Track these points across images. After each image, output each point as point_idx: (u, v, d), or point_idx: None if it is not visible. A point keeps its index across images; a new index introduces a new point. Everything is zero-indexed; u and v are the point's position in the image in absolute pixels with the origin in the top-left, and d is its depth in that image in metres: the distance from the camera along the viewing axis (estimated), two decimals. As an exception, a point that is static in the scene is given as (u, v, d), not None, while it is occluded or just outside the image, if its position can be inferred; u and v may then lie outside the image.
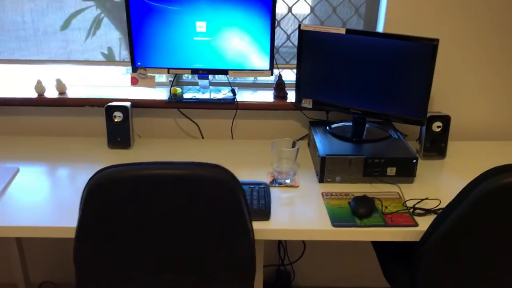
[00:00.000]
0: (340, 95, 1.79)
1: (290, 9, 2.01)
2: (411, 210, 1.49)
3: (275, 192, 1.60)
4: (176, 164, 1.16)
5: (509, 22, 1.90)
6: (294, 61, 2.06)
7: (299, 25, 1.77)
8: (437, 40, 1.57)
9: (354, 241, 2.20)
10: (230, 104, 1.95)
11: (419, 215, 1.47)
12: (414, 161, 1.63)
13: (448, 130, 1.81)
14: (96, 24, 2.05)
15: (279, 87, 1.98)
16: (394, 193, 1.60)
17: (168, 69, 1.92)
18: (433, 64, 1.60)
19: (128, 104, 1.88)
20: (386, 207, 1.50)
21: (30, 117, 2.05)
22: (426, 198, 1.55)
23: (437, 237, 1.32)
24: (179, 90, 2.02)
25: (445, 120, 1.81)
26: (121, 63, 2.10)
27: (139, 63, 1.92)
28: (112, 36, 2.05)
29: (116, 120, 1.87)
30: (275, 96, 2.00)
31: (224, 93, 2.01)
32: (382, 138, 1.78)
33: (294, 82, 1.92)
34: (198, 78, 1.97)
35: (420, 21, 1.89)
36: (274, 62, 1.91)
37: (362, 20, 2.02)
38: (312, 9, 2.01)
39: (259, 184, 1.58)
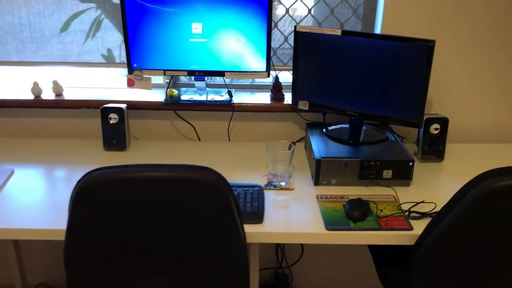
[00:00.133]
0: (337, 97, 1.78)
1: (287, 11, 2.00)
2: (407, 213, 1.47)
3: (270, 194, 1.59)
4: (164, 166, 1.15)
5: (507, 23, 1.88)
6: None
7: (295, 27, 1.76)
8: (433, 42, 1.55)
9: (352, 244, 2.18)
10: (226, 106, 1.94)
11: (415, 218, 1.45)
12: (411, 164, 1.61)
13: (446, 133, 1.79)
14: (96, 26, 2.05)
15: (276, 89, 1.97)
16: (390, 196, 1.58)
17: (164, 71, 1.91)
18: (429, 66, 1.58)
19: (123, 106, 1.88)
20: (381, 210, 1.49)
21: (27, 118, 2.04)
22: (422, 202, 1.53)
23: (431, 240, 1.30)
24: (175, 92, 2.01)
25: (443, 122, 1.78)
26: (119, 64, 2.09)
27: (135, 65, 1.91)
28: (112, 38, 2.05)
29: (111, 122, 1.87)
30: (272, 98, 1.98)
31: (221, 95, 2.00)
32: (379, 140, 1.76)
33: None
34: (195, 80, 1.96)
35: (418, 22, 1.87)
36: (271, 64, 1.90)
37: (360, 21, 2.00)
38: (309, 10, 1.99)
39: (253, 186, 1.57)
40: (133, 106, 1.96)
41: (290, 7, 1.99)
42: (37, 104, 1.98)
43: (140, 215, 1.18)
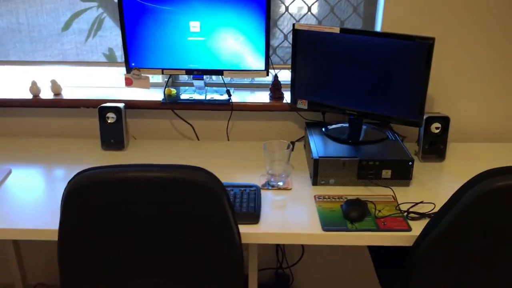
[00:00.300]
0: (336, 95, 1.76)
1: (287, 9, 1.98)
2: (405, 214, 1.45)
3: (267, 194, 1.57)
4: (157, 166, 1.13)
5: (509, 21, 1.85)
6: (291, 61, 2.03)
7: (293, 24, 1.74)
8: (433, 39, 1.52)
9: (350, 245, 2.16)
10: (225, 105, 1.92)
11: (413, 219, 1.43)
12: (410, 163, 1.58)
13: (447, 132, 1.76)
14: (98, 25, 2.04)
15: (275, 88, 1.95)
16: (389, 196, 1.55)
17: (162, 69, 1.90)
18: (429, 64, 1.55)
19: (121, 105, 1.86)
20: (379, 211, 1.46)
21: (25, 118, 2.04)
22: (421, 202, 1.50)
23: (429, 241, 1.28)
24: (173, 91, 1.99)
25: (444, 121, 1.76)
26: (118, 63, 2.08)
27: (133, 64, 1.90)
28: (114, 37, 2.03)
29: (109, 122, 1.86)
30: (271, 97, 1.97)
31: (221, 94, 1.98)
32: (379, 140, 1.74)
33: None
34: (193, 79, 1.94)
35: (419, 19, 1.85)
36: (270, 62, 1.88)
37: (361, 19, 1.98)
38: (309, 8, 1.97)
39: (250, 186, 1.55)
40: (132, 105, 1.95)
41: (290, 4, 1.96)
42: (35, 103, 1.98)
43: (132, 215, 1.16)
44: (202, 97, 1.95)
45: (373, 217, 1.43)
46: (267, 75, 1.89)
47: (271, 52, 2.02)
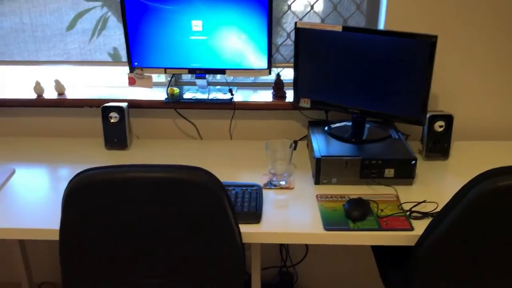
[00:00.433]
0: (338, 94, 1.75)
1: (289, 7, 1.97)
2: (408, 213, 1.44)
3: (269, 194, 1.56)
4: (156, 167, 1.13)
5: (515, 17, 1.83)
6: (294, 60, 2.02)
7: (296, 23, 1.73)
8: (435, 37, 1.51)
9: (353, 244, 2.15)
10: (227, 104, 1.92)
11: (416, 218, 1.42)
12: (413, 162, 1.57)
13: (451, 130, 1.75)
14: (102, 24, 2.04)
15: (278, 87, 1.94)
16: (392, 195, 1.54)
17: (165, 69, 1.90)
18: (431, 62, 1.54)
19: (124, 104, 1.87)
20: (382, 210, 1.46)
21: (29, 118, 2.05)
22: (424, 201, 1.49)
23: (432, 241, 1.27)
24: (176, 90, 1.99)
25: (448, 119, 1.74)
26: (121, 63, 2.09)
27: (136, 63, 1.90)
28: (119, 36, 2.03)
29: (112, 121, 1.86)
30: (274, 96, 1.96)
31: (224, 94, 1.98)
32: (382, 138, 1.73)
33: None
34: (196, 78, 1.94)
35: (423, 17, 1.83)
36: (272, 61, 1.87)
37: (364, 17, 1.97)
38: (312, 6, 1.96)
39: (252, 186, 1.55)
40: (135, 104, 1.95)
41: (292, 3, 1.96)
42: (39, 103, 1.98)
43: (133, 216, 1.17)
44: (205, 96, 1.95)
45: (375, 217, 1.42)
46: (270, 73, 1.88)
47: (274, 50, 2.01)
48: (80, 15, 2.02)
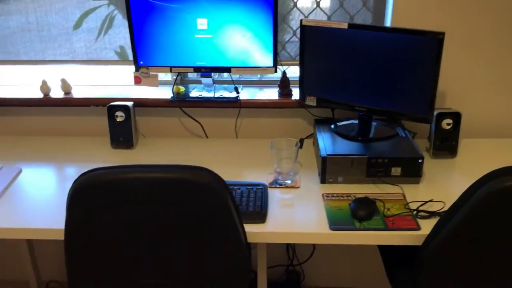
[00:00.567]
0: (344, 92, 1.73)
1: (295, 4, 1.95)
2: (414, 212, 1.42)
3: (275, 193, 1.56)
4: (160, 167, 1.13)
5: (525, 12, 1.80)
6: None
7: (301, 20, 1.72)
8: (442, 34, 1.49)
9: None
10: (233, 103, 1.91)
11: (423, 217, 1.40)
12: (420, 160, 1.56)
13: (458, 128, 1.73)
14: (108, 22, 2.04)
15: (284, 85, 1.93)
16: (399, 194, 1.53)
17: (171, 67, 1.89)
18: (439, 59, 1.52)
19: (130, 103, 1.87)
20: (388, 209, 1.44)
21: (35, 117, 2.06)
22: (431, 200, 1.48)
23: (439, 241, 1.25)
24: (182, 88, 1.99)
25: (456, 117, 1.72)
26: (127, 62, 2.08)
27: (141, 62, 1.90)
28: (126, 34, 2.03)
29: (118, 120, 1.86)
30: (280, 94, 1.95)
31: (230, 92, 1.97)
32: (389, 136, 1.71)
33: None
34: (201, 76, 1.94)
35: (430, 13, 1.81)
36: (278, 59, 1.86)
37: (370, 14, 1.95)
38: (317, 3, 1.94)
39: (257, 185, 1.54)
40: (141, 103, 1.95)
41: (298, 0, 1.94)
42: (45, 102, 1.99)
43: (136, 216, 1.16)
44: (210, 94, 1.95)
45: (382, 216, 1.41)
46: (275, 71, 1.87)
47: (279, 48, 2.00)
48: (86, 14, 2.02)
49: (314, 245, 2.18)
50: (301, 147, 1.87)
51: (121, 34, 2.04)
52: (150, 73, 1.90)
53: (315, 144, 1.80)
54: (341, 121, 1.86)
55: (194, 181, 1.11)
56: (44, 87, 1.99)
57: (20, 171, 1.72)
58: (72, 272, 1.29)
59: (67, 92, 2.02)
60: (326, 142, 1.67)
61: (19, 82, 2.16)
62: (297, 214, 1.44)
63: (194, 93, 1.96)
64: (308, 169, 1.71)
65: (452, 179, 1.62)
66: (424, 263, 1.29)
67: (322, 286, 2.31)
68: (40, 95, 2.00)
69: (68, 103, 1.99)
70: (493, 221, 1.17)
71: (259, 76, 2.09)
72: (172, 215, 1.16)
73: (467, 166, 1.71)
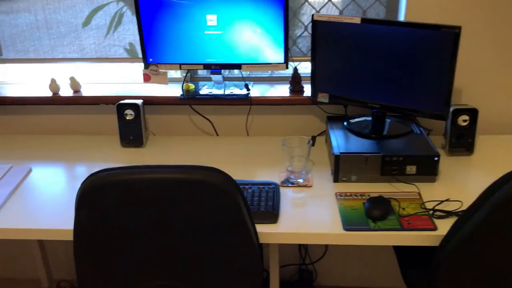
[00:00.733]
0: (357, 88, 1.69)
1: (306, -1, 1.92)
2: (431, 212, 1.38)
3: (287, 192, 1.52)
4: (169, 167, 1.10)
5: (544, 5, 1.74)
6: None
7: (313, 15, 1.68)
8: (458, 28, 1.45)
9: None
10: (244, 100, 1.88)
11: (440, 217, 1.36)
12: (436, 158, 1.51)
13: (475, 124, 1.68)
14: (118, 19, 2.02)
15: (295, 81, 1.90)
16: (414, 193, 1.49)
17: (180, 64, 1.87)
18: (455, 54, 1.48)
19: (139, 101, 1.85)
20: (403, 209, 1.40)
21: (45, 115, 2.04)
22: (448, 199, 1.44)
23: (456, 242, 1.21)
24: (192, 86, 1.96)
25: (472, 113, 1.68)
26: (136, 59, 2.06)
27: (151, 59, 1.87)
28: (135, 31, 2.00)
29: (128, 118, 1.84)
30: (291, 91, 1.91)
31: (240, 89, 1.94)
32: (403, 133, 1.67)
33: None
34: (211, 73, 1.91)
35: (445, 7, 1.76)
36: (289, 55, 1.83)
37: (384, 8, 1.90)
38: (329, -2, 1.91)
39: (268, 184, 1.51)
40: (150, 101, 1.93)
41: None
42: (55, 101, 1.98)
43: (145, 217, 1.14)
44: (220, 91, 1.92)
45: (397, 216, 1.37)
46: (287, 68, 1.84)
47: (290, 43, 1.97)
48: (95, 11, 2.00)
49: (326, 244, 2.15)
50: (313, 144, 1.83)
51: (130, 31, 2.02)
52: (160, 70, 1.88)
53: (328, 141, 1.77)
54: (354, 118, 1.82)
55: (205, 181, 1.08)
56: (53, 86, 1.97)
57: (30, 171, 1.71)
58: (82, 273, 1.27)
59: (76, 90, 2.01)
60: (339, 140, 1.64)
61: (28, 80, 2.15)
62: (310, 214, 1.41)
63: (204, 91, 1.93)
64: (320, 167, 1.67)
65: (469, 177, 1.58)
66: (441, 264, 1.25)
67: (335, 285, 2.27)
68: (49, 93, 1.98)
69: (77, 101, 1.98)
70: (513, 222, 1.13)
71: (269, 72, 2.06)
72: (181, 216, 1.14)
73: (484, 163, 1.67)
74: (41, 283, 2.29)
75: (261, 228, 1.32)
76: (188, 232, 1.18)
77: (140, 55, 2.03)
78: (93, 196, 1.12)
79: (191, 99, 1.91)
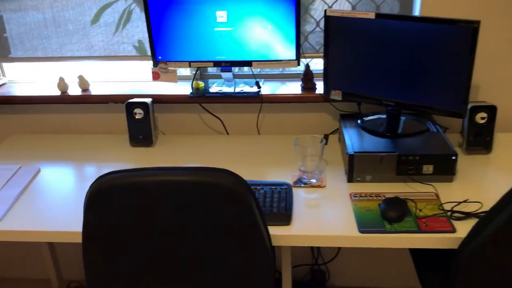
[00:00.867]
0: (372, 85, 1.65)
1: (318, -6, 1.87)
2: (449, 213, 1.34)
3: (299, 193, 1.49)
4: (179, 170, 1.07)
5: None
6: (324, 50, 1.92)
7: (325, 11, 1.63)
8: (477, 22, 1.39)
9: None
10: (254, 98, 1.85)
11: (458, 219, 1.32)
12: (454, 157, 1.47)
13: (494, 122, 1.63)
14: (126, 16, 1.99)
15: (307, 78, 1.86)
16: (431, 193, 1.44)
17: (190, 62, 1.83)
18: (473, 50, 1.42)
19: (148, 100, 1.81)
20: (420, 210, 1.36)
21: (53, 115, 2.02)
22: (466, 200, 1.39)
23: (477, 245, 1.17)
24: (201, 84, 1.93)
25: (491, 110, 1.62)
26: (145, 57, 2.03)
27: (160, 57, 1.84)
28: (144, 28, 1.97)
29: (137, 117, 1.81)
30: (303, 88, 1.87)
31: (251, 86, 1.90)
32: (419, 132, 1.63)
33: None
34: (221, 71, 1.87)
35: (461, 1, 1.70)
36: (301, 51, 1.79)
37: (398, 2, 1.85)
38: (342, -7, 1.86)
39: (281, 184, 1.47)
40: (160, 99, 1.90)
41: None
42: (63, 100, 1.95)
43: (155, 220, 1.11)
44: (231, 89, 1.88)
45: (414, 217, 1.33)
46: (298, 64, 1.79)
47: (302, 39, 1.92)
48: (103, 8, 1.97)
49: (339, 244, 2.11)
50: (325, 143, 1.79)
51: (139, 28, 1.98)
52: (169, 68, 1.85)
53: (341, 140, 1.73)
54: (368, 116, 1.77)
55: (216, 184, 1.05)
56: (62, 84, 1.95)
57: (39, 171, 1.69)
58: (91, 276, 1.24)
59: (85, 89, 1.98)
60: (352, 139, 1.60)
61: (36, 79, 2.13)
62: (324, 215, 1.37)
63: (214, 88, 1.90)
64: (333, 166, 1.63)
65: (487, 177, 1.53)
66: (461, 268, 1.21)
67: (348, 286, 2.24)
68: (57, 92, 1.96)
69: (86, 100, 1.95)
70: (538, 225, 1.08)
71: (281, 69, 2.02)
72: (192, 219, 1.11)
73: (503, 162, 1.61)
74: (51, 283, 2.27)
75: (273, 231, 1.29)
76: (199, 235, 1.14)
77: (149, 53, 2.00)
78: (101, 199, 1.09)
79: (201, 97, 1.87)
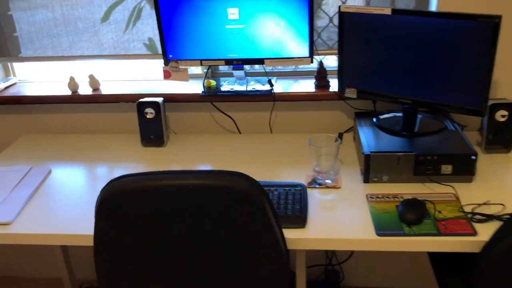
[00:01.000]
0: (388, 83, 1.61)
1: (331, -11, 1.83)
2: (469, 215, 1.30)
3: (314, 194, 1.45)
4: (193, 173, 1.04)
5: None
6: (338, 46, 1.88)
7: (339, 7, 1.59)
8: (499, 17, 1.35)
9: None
10: (267, 96, 1.81)
11: (479, 221, 1.27)
12: (473, 157, 1.42)
13: (514, 120, 1.59)
14: (136, 14, 1.97)
15: (321, 76, 1.82)
16: (450, 194, 1.40)
17: (201, 60, 1.80)
18: (494, 46, 1.38)
19: (160, 99, 1.79)
20: (439, 212, 1.32)
21: (64, 115, 2.01)
22: (487, 202, 1.35)
23: (502, 249, 1.13)
24: (213, 82, 1.90)
25: (511, 108, 1.58)
26: (156, 55, 2.00)
27: (170, 56, 1.81)
28: (152, 26, 1.95)
29: (148, 117, 1.79)
30: (317, 86, 1.83)
31: (262, 84, 1.87)
32: (437, 130, 1.58)
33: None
34: (233, 69, 1.84)
35: (481, -5, 1.66)
36: (314, 48, 1.75)
37: (413, -3, 1.81)
38: (356, -12, 1.82)
39: (295, 186, 1.44)
40: (171, 98, 1.87)
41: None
42: (74, 99, 1.93)
43: (167, 224, 1.08)
44: (243, 88, 1.85)
45: (433, 220, 1.29)
46: (312, 62, 1.76)
47: (315, 36, 1.88)
48: (113, 6, 1.94)
49: (354, 244, 2.07)
50: (340, 142, 1.76)
51: (149, 25, 1.96)
52: (180, 67, 1.82)
53: (356, 139, 1.69)
54: (383, 114, 1.73)
55: (230, 188, 1.02)
56: (72, 84, 1.93)
57: (50, 172, 1.67)
58: (102, 278, 1.22)
59: (95, 88, 1.96)
60: (368, 138, 1.56)
61: (46, 78, 2.11)
62: (340, 217, 1.33)
63: (225, 87, 1.87)
64: (348, 166, 1.59)
65: (507, 176, 1.48)
66: (484, 272, 1.17)
67: (362, 286, 2.20)
68: (68, 92, 1.94)
69: (97, 99, 1.93)
70: None
71: (293, 67, 1.98)
72: (206, 223, 1.08)
73: (524, 161, 1.57)
74: (63, 283, 2.26)
75: (288, 234, 1.26)
76: (213, 239, 1.12)
77: (160, 50, 1.98)
78: (112, 203, 1.06)
79: (212, 96, 1.84)
